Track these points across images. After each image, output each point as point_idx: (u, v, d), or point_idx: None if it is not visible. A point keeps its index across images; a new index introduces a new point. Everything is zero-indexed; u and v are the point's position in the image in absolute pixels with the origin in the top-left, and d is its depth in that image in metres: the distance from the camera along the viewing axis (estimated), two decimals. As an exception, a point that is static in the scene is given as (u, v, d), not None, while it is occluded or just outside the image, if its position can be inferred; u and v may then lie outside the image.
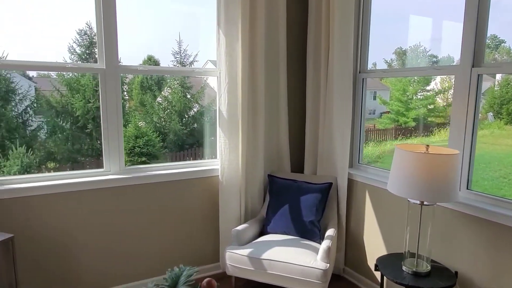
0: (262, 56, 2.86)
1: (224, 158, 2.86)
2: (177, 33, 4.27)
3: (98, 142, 4.17)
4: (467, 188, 2.18)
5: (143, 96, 4.95)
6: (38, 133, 4.33)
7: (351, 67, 2.77)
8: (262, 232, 2.85)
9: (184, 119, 4.98)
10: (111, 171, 2.65)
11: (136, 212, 2.72)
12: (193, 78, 4.99)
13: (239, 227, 2.68)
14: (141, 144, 4.69)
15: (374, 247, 2.75)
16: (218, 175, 2.90)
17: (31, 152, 4.01)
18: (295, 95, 3.21)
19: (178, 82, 4.97)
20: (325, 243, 2.44)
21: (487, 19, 2.03)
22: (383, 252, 2.67)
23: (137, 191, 2.69)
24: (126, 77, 4.83)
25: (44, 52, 3.03)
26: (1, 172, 3.74)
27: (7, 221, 2.31)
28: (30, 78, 4.19)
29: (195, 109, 5.07)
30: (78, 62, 4.17)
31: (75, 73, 4.28)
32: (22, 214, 2.35)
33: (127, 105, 4.96)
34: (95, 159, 4.43)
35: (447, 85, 4.52)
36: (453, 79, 2.18)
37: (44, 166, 4.13)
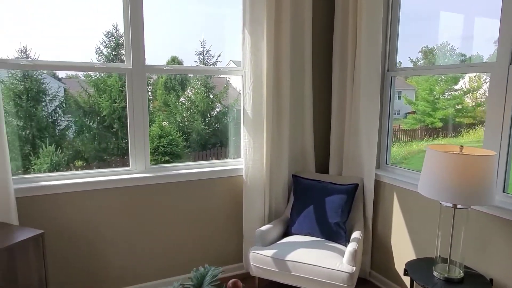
0: (287, 55, 2.82)
1: (249, 158, 2.85)
2: (201, 34, 4.30)
3: (124, 141, 4.24)
4: (503, 191, 2.08)
5: (167, 96, 5.00)
6: (67, 132, 4.42)
7: (379, 65, 2.70)
8: (286, 233, 2.82)
9: (207, 119, 5.00)
10: (137, 169, 2.68)
11: (161, 211, 2.73)
12: (215, 78, 5.00)
13: (263, 228, 2.65)
14: (164, 143, 4.74)
15: (402, 251, 2.67)
16: (242, 175, 2.89)
17: (60, 150, 4.11)
18: (320, 94, 3.16)
19: (201, 82, 5.00)
20: (352, 246, 2.38)
21: (527, 14, 1.93)
22: (411, 256, 2.58)
23: (162, 190, 2.71)
24: (151, 78, 4.89)
25: (73, 54, 3.11)
26: (32, 170, 3.85)
27: (38, 218, 2.37)
28: (59, 79, 4.30)
29: (217, 109, 5.08)
30: (105, 63, 4.24)
31: (102, 74, 4.36)
32: (51, 210, 2.41)
33: (151, 105, 5.03)
34: (120, 158, 4.50)
35: (476, 84, 4.36)
36: (483, 78, 2.09)
37: (72, 164, 4.22)
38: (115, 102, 4.42)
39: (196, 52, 4.59)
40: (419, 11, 2.92)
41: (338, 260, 2.36)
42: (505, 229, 1.99)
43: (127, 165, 2.70)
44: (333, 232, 2.66)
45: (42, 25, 3.05)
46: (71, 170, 4.05)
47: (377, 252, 2.91)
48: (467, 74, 3.58)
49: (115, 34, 4.39)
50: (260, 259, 2.48)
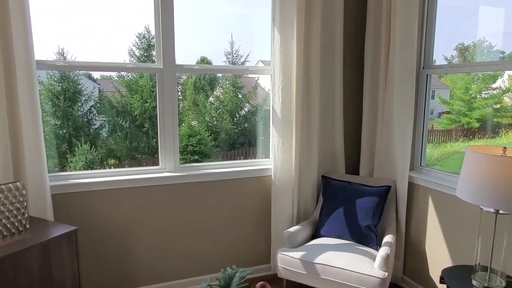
0: (317, 54, 2.77)
1: (277, 158, 2.81)
2: (230, 34, 4.31)
3: (154, 140, 4.31)
4: (551, 197, 1.93)
5: (196, 96, 5.05)
6: (101, 132, 4.54)
7: (414, 62, 2.59)
8: (315, 235, 2.76)
9: (235, 118, 5.00)
10: (166, 168, 2.71)
11: (190, 210, 2.75)
12: (244, 78, 5.00)
13: (292, 229, 2.61)
14: (194, 142, 4.78)
15: (438, 257, 2.55)
16: (271, 175, 2.86)
17: (94, 149, 4.23)
18: (351, 93, 3.08)
19: (229, 82, 5.01)
20: (383, 250, 2.30)
21: None
22: (448, 263, 2.46)
23: (190, 189, 2.73)
24: (181, 78, 4.96)
25: (107, 55, 3.22)
26: (68, 167, 3.99)
27: (71, 214, 2.44)
28: (94, 80, 4.43)
29: (246, 109, 5.08)
30: (137, 63, 4.33)
31: (134, 75, 4.45)
32: (83, 207, 2.47)
33: (181, 104, 5.09)
34: (150, 157, 4.59)
35: (516, 82, 4.11)
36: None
37: (105, 163, 4.33)
38: (146, 102, 4.51)
39: (225, 52, 4.60)
40: (455, 7, 2.78)
41: (369, 264, 2.28)
42: (553, 237, 1.86)
43: (157, 164, 2.73)
44: (364, 235, 2.58)
45: (78, 28, 3.16)
46: (104, 168, 4.16)
47: (410, 257, 2.80)
48: (506, 72, 3.38)
49: (146, 35, 4.48)
50: (288, 261, 2.45)
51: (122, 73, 4.45)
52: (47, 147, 3.88)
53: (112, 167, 4.31)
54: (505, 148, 1.85)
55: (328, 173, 2.99)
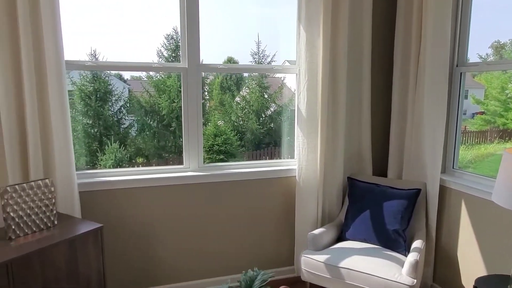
0: (344, 52, 2.70)
1: (302, 158, 2.76)
2: (256, 34, 4.31)
3: (180, 139, 4.36)
4: None
5: (223, 96, 5.07)
6: (129, 131, 4.65)
7: (447, 59, 2.47)
8: (340, 238, 2.69)
9: (261, 118, 4.99)
10: (190, 168, 2.72)
11: (213, 209, 2.75)
12: (270, 78, 4.98)
13: (316, 231, 2.55)
14: (219, 142, 4.80)
15: (471, 265, 2.42)
16: (295, 176, 2.81)
17: (123, 147, 4.33)
18: (379, 92, 2.98)
19: (256, 82, 5.01)
20: (412, 256, 2.20)
21: None
22: (482, 272, 2.33)
23: (214, 188, 2.72)
24: (207, 78, 5.00)
25: (137, 56, 3.31)
26: (99, 165, 4.10)
27: (97, 212, 2.49)
28: (124, 81, 4.53)
29: (272, 109, 5.05)
30: (162, 62, 4.40)
31: (162, 75, 4.53)
32: (109, 205, 2.52)
33: (208, 104, 5.13)
34: (177, 156, 4.65)
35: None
36: None
37: (134, 161, 4.43)
38: (174, 102, 4.57)
39: (252, 52, 4.61)
40: (490, 3, 2.63)
41: (396, 270, 2.19)
42: None
43: (183, 163, 2.75)
44: (391, 240, 2.48)
45: (108, 31, 3.27)
46: (133, 166, 4.26)
47: (440, 264, 2.67)
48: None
49: (174, 36, 4.55)
50: (312, 264, 2.39)
51: (151, 73, 4.53)
52: (79, 145, 4.02)
53: (140, 165, 4.40)
54: (547, 150, 1.72)
55: (354, 174, 2.90)
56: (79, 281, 1.95)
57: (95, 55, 3.36)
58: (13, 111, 2.13)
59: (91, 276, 2.01)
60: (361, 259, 2.32)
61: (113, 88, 4.38)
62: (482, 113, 4.58)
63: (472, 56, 2.62)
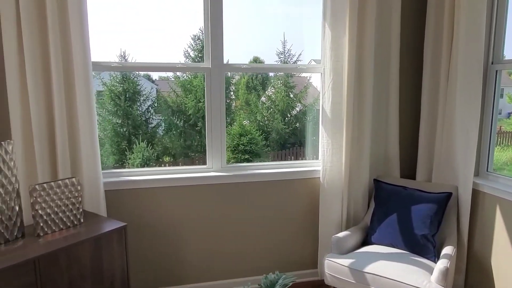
0: (371, 50, 2.62)
1: (326, 160, 2.71)
2: (282, 33, 4.29)
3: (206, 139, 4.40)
4: None
5: (248, 96, 5.07)
6: (157, 130, 4.73)
7: (481, 56, 2.34)
8: (365, 242, 2.62)
9: (286, 118, 4.95)
10: (213, 168, 2.72)
11: (235, 210, 2.74)
12: (296, 78, 4.93)
13: (340, 234, 2.49)
14: (245, 142, 4.80)
15: (506, 274, 2.29)
16: (319, 177, 2.75)
17: (151, 146, 4.41)
18: (408, 91, 2.88)
19: (281, 82, 4.97)
20: (442, 263, 2.10)
21: None
22: (518, 281, 2.20)
23: (237, 189, 2.71)
24: (233, 78, 5.01)
25: (165, 57, 3.39)
26: (127, 164, 4.19)
27: (122, 211, 2.53)
28: (153, 81, 4.62)
29: (297, 109, 5.01)
30: (186, 62, 4.45)
31: (189, 75, 4.58)
32: (133, 204, 2.56)
33: (233, 104, 5.15)
34: (203, 155, 4.68)
35: None
36: None
37: (161, 160, 4.50)
38: (200, 102, 4.61)
39: (277, 52, 4.58)
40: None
41: (425, 277, 2.10)
42: None
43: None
44: (419, 245, 2.38)
45: (138, 32, 3.36)
46: (159, 165, 4.33)
47: (472, 272, 2.54)
48: None
49: (201, 37, 4.59)
50: (335, 268, 2.34)
51: (178, 73, 4.59)
52: (109, 144, 4.12)
53: (167, 164, 4.47)
54: None
55: (381, 176, 2.81)
56: (103, 278, 1.99)
57: (125, 56, 3.43)
58: (42, 111, 2.20)
59: (115, 274, 2.05)
60: (388, 265, 2.24)
61: (141, 88, 4.47)
62: (520, 112, 4.36)
63: (509, 53, 2.47)
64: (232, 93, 5.09)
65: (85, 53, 2.23)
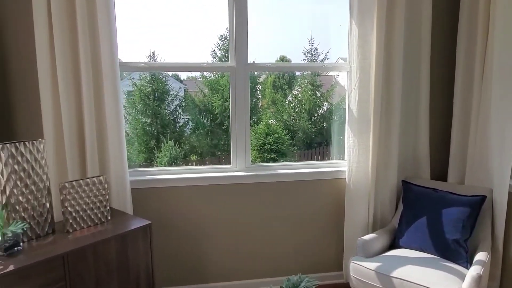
0: (400, 47, 2.53)
1: (352, 160, 2.64)
2: (309, 31, 4.24)
3: (230, 138, 4.41)
4: None
5: (275, 95, 5.05)
6: (184, 129, 4.80)
7: (520, 52, 2.22)
8: (393, 245, 2.54)
9: (313, 117, 4.90)
10: (237, 167, 2.72)
11: (259, 210, 2.73)
12: (323, 76, 4.86)
13: (366, 237, 2.43)
14: (271, 141, 4.78)
15: (546, 282, 2.16)
16: (345, 178, 2.70)
17: (178, 145, 4.48)
18: (439, 89, 2.77)
19: (308, 80, 4.92)
20: (475, 269, 2.00)
21: None
22: (559, 291, 2.06)
23: (261, 189, 2.70)
24: (260, 77, 5.00)
25: (192, 57, 3.45)
26: (155, 162, 4.28)
27: (148, 209, 2.57)
28: (181, 81, 4.69)
29: (324, 108, 4.94)
30: (210, 62, 4.49)
31: (216, 75, 4.61)
32: (158, 203, 2.60)
33: (260, 103, 5.14)
34: (229, 154, 4.71)
35: None
36: None
37: (188, 158, 4.56)
38: (226, 101, 4.64)
39: (304, 51, 4.53)
40: None
41: (456, 284, 2.01)
42: None
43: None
44: (451, 250, 2.29)
45: (167, 33, 3.44)
46: (187, 164, 4.39)
47: (508, 279, 2.41)
48: None
49: (228, 37, 4.62)
50: (361, 271, 2.28)
51: (205, 73, 4.64)
52: (138, 143, 4.22)
53: (194, 163, 4.52)
54: None
55: (409, 178, 2.72)
56: (129, 275, 2.03)
57: (154, 57, 3.50)
58: (73, 112, 2.27)
59: (140, 271, 2.09)
60: (416, 270, 2.16)
61: (170, 88, 4.55)
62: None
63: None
64: (258, 92, 5.08)
65: (113, 54, 2.28)
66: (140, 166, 4.10)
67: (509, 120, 2.27)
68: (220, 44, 4.55)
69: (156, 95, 4.42)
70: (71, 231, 1.98)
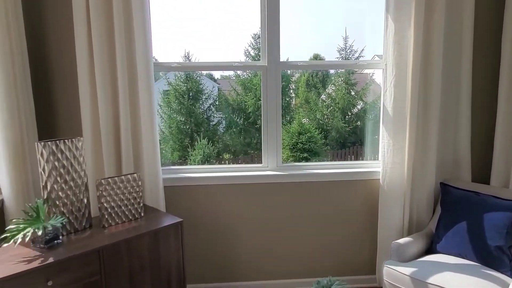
0: (439, 43, 2.41)
1: (387, 160, 2.56)
2: (343, 29, 4.16)
3: (262, 138, 4.42)
4: None
5: (308, 94, 5.00)
6: (218, 128, 4.85)
7: None
8: (429, 250, 2.43)
9: (347, 116, 4.80)
10: (268, 167, 2.71)
11: (289, 210, 2.70)
12: (358, 74, 4.75)
13: (401, 240, 2.34)
14: (303, 140, 4.74)
15: None
16: (379, 179, 2.61)
17: (211, 143, 4.54)
18: (482, 87, 2.62)
19: (342, 79, 4.83)
20: (519, 279, 1.88)
21: None
22: None
23: (292, 189, 2.68)
24: (293, 76, 4.96)
25: (227, 57, 3.49)
26: (189, 160, 4.36)
27: (179, 206, 2.62)
28: (215, 80, 4.75)
29: (358, 107, 4.82)
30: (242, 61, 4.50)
31: (249, 74, 4.63)
32: (189, 201, 2.63)
33: (293, 102, 5.11)
34: (261, 153, 4.71)
35: None
36: None
37: (221, 157, 4.61)
38: (259, 100, 4.64)
39: (338, 48, 4.44)
40: None
41: (498, 294, 1.90)
42: None
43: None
44: (493, 258, 2.16)
45: (201, 34, 3.50)
46: (220, 162, 4.45)
47: (559, 291, 2.24)
48: None
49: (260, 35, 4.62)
50: (395, 276, 2.20)
51: (238, 72, 4.66)
52: (173, 140, 4.31)
53: (227, 161, 4.57)
54: None
55: (448, 180, 2.59)
56: (161, 270, 2.07)
57: (188, 56, 3.56)
58: (109, 112, 2.35)
59: (171, 268, 2.12)
60: (455, 277, 2.06)
61: (204, 87, 4.63)
62: None
63: None
64: (291, 91, 5.05)
65: (147, 54, 2.34)
66: (174, 164, 4.19)
67: (561, 120, 2.11)
68: (254, 43, 4.56)
69: (190, 94, 4.50)
70: (106, 226, 2.05)
